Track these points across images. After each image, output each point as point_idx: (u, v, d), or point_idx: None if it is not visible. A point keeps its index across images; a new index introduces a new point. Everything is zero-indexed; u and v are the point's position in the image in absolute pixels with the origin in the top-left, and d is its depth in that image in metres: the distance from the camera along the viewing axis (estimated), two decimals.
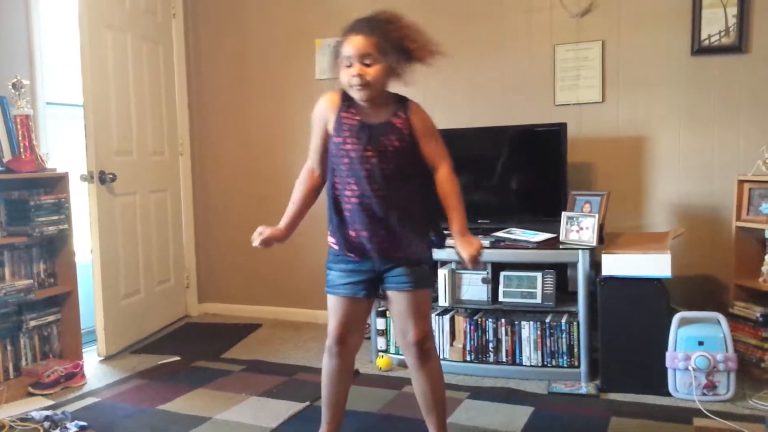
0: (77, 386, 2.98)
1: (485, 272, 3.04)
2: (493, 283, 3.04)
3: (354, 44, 1.83)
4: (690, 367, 2.57)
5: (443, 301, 3.09)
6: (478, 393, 2.76)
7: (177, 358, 3.38)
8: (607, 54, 3.33)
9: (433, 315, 3.05)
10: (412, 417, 2.40)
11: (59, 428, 2.46)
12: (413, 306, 1.97)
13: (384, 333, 3.20)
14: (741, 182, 2.92)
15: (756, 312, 2.76)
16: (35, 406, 2.71)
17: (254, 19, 4.13)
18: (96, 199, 3.35)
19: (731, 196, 2.98)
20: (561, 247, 2.94)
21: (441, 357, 3.02)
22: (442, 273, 3.07)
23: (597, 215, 2.90)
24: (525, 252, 2.97)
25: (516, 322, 2.96)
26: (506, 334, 2.98)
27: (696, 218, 3.21)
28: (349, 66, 1.85)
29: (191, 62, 4.28)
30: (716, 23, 3.11)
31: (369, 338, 3.24)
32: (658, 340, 2.66)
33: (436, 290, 3.08)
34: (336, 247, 2.00)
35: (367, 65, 1.83)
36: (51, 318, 3.21)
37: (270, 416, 2.58)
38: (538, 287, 2.96)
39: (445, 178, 1.96)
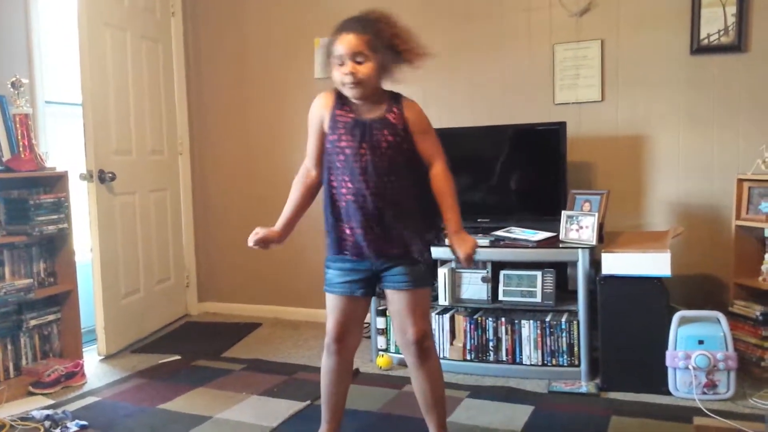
0: (77, 385, 2.98)
1: (485, 271, 3.04)
2: (493, 282, 3.04)
3: (346, 43, 1.84)
4: (690, 366, 2.57)
5: (443, 300, 3.09)
6: (478, 392, 2.76)
7: (177, 357, 3.38)
8: (607, 53, 3.33)
9: (433, 314, 3.05)
10: (412, 416, 2.40)
11: (60, 427, 2.46)
12: (412, 305, 1.97)
13: (384, 332, 3.20)
14: (740, 181, 2.92)
15: (756, 311, 2.76)
16: (36, 406, 2.71)
17: (254, 17, 4.12)
18: (95, 198, 3.35)
19: (731, 195, 2.98)
20: (561, 246, 2.94)
21: (441, 356, 3.02)
22: (442, 272, 3.07)
23: (597, 214, 2.90)
24: (525, 251, 2.97)
25: (516, 321, 2.96)
26: (506, 333, 2.98)
27: (695, 217, 3.21)
28: (342, 64, 1.85)
29: (190, 61, 4.27)
30: (715, 22, 3.11)
31: (369, 337, 3.24)
32: (658, 339, 2.66)
33: (436, 289, 3.08)
34: (332, 245, 2.00)
35: (359, 63, 1.84)
36: (51, 317, 3.21)
37: (270, 415, 2.58)
38: (538, 286, 2.96)
39: (439, 175, 1.96)
